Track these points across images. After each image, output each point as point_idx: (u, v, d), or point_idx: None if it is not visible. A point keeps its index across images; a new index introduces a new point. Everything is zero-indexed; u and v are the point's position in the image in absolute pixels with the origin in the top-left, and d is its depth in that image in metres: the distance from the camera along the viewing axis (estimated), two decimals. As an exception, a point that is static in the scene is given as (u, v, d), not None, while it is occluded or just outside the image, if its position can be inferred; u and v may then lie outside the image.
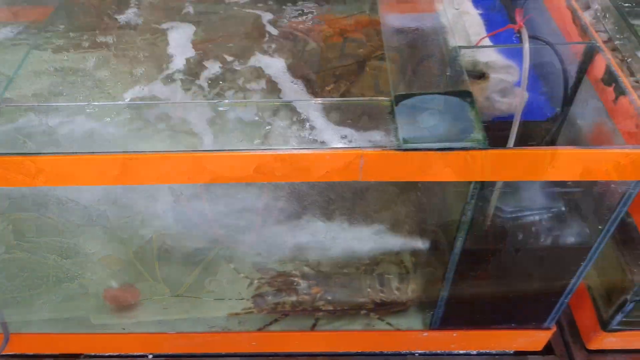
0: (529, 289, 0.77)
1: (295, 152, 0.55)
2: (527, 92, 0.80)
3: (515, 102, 0.77)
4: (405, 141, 0.55)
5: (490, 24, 1.00)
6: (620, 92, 0.62)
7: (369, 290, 0.89)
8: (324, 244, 0.85)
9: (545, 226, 0.72)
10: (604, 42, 1.09)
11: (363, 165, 0.56)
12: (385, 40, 0.68)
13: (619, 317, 0.82)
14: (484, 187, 0.62)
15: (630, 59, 1.04)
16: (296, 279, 0.89)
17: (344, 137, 0.59)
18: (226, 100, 0.63)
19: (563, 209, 0.72)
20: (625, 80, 0.63)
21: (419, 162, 0.56)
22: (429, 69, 0.64)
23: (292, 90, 0.69)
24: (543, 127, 0.81)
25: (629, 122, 0.60)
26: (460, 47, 0.70)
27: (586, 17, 1.14)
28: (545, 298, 0.77)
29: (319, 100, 0.61)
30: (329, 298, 0.89)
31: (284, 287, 0.90)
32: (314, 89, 0.71)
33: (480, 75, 0.74)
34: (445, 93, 0.60)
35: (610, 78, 0.64)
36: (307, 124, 0.62)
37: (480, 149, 0.55)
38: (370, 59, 0.75)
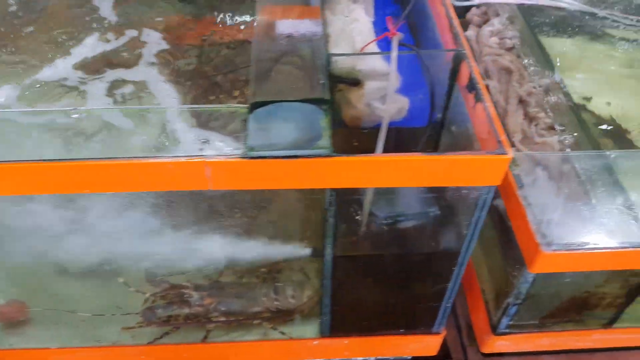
0: (410, 295, 0.77)
1: (138, 160, 0.54)
2: (409, 99, 0.81)
3: (393, 108, 0.78)
4: (251, 149, 0.55)
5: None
6: (478, 98, 0.63)
7: (263, 299, 0.88)
8: (214, 254, 0.83)
9: (419, 231, 0.72)
10: (509, 49, 1.13)
11: (211, 174, 0.56)
12: (254, 46, 0.67)
13: (505, 321, 0.83)
14: (342, 194, 0.62)
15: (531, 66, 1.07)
16: (188, 290, 0.88)
17: (202, 143, 0.59)
18: (81, 108, 0.61)
19: (437, 213, 0.72)
20: (484, 87, 0.64)
21: (265, 170, 0.55)
22: (294, 76, 0.64)
23: (162, 95, 0.68)
24: (427, 133, 0.82)
25: (483, 129, 0.61)
26: (331, 54, 0.70)
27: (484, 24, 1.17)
28: (428, 303, 0.77)
29: (176, 107, 0.60)
30: (223, 309, 0.88)
31: (175, 299, 0.88)
32: (187, 95, 0.70)
33: (356, 82, 0.74)
34: (302, 100, 0.60)
35: (471, 85, 0.65)
36: (165, 131, 0.61)
37: (324, 156, 0.55)
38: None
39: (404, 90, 0.80)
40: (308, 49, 0.66)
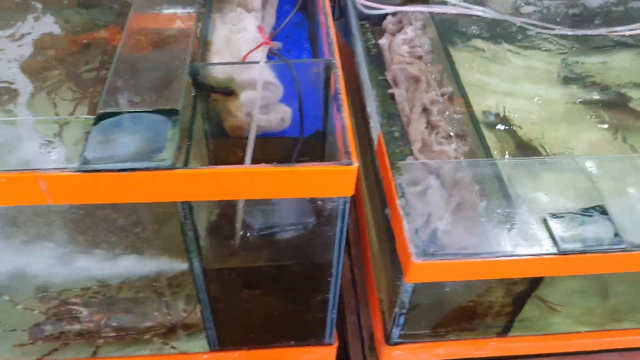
0: (294, 306, 0.76)
1: (-34, 176, 0.52)
2: (290, 108, 0.80)
3: (275, 118, 0.77)
4: (86, 162, 0.53)
5: (291, 40, 1.00)
6: (338, 109, 0.63)
7: (155, 314, 0.86)
8: (103, 269, 0.81)
9: (295, 242, 0.72)
10: (419, 57, 1.13)
11: (48, 189, 0.54)
12: (116, 55, 0.66)
13: (397, 331, 0.82)
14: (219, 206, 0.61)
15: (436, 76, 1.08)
16: (77, 306, 0.85)
17: (43, 155, 0.57)
18: None
19: (313, 224, 0.72)
20: (344, 98, 0.63)
21: (104, 184, 0.54)
22: (149, 86, 0.62)
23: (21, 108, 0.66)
24: (310, 143, 0.81)
25: (340, 139, 0.61)
26: (198, 64, 0.69)
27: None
28: (313, 314, 0.76)
29: (21, 118, 0.59)
30: (113, 324, 0.85)
31: (65, 315, 0.86)
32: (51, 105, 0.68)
33: (229, 92, 0.73)
34: (151, 111, 0.58)
35: (335, 95, 0.65)
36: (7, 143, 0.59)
37: (164, 169, 0.53)
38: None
39: (289, 99, 0.79)
40: (170, 58, 0.65)
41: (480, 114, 1.01)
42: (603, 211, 0.72)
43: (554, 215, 0.71)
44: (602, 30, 1.14)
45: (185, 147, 0.61)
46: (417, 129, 0.96)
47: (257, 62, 0.69)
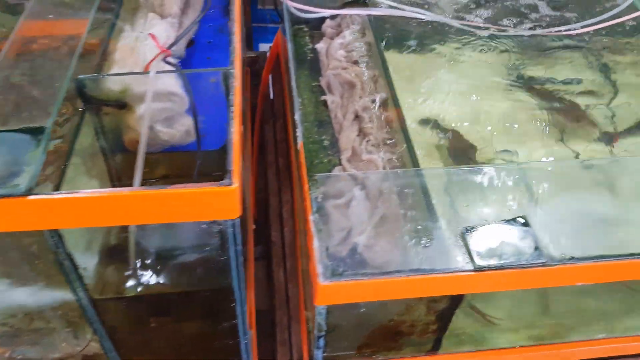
0: (202, 333, 0.71)
1: None
2: (201, 121, 0.75)
3: (180, 131, 0.72)
4: None
5: (213, 46, 0.96)
6: (228, 121, 0.58)
7: (63, 344, 0.81)
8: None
9: (192, 267, 0.67)
10: (355, 62, 1.09)
11: None
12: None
13: (319, 353, 0.78)
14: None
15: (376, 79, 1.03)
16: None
17: None
18: None
19: (215, 247, 0.67)
20: (237, 110, 0.59)
21: (-50, 213, 0.49)
22: (20, 101, 0.57)
23: None
24: (217, 157, 0.76)
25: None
26: (84, 77, 0.64)
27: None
28: (224, 341, 0.72)
29: None
30: (18, 357, 0.80)
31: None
32: None
33: (121, 105, 0.68)
34: (15, 131, 0.53)
35: (228, 106, 0.60)
36: None
37: (17, 196, 0.48)
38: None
39: (201, 111, 0.75)
40: (51, 70, 0.60)
41: (414, 120, 0.98)
42: (525, 222, 0.68)
43: (472, 229, 0.67)
44: (544, 31, 1.11)
45: (60, 169, 0.56)
46: (347, 137, 0.92)
47: (147, 73, 0.64)
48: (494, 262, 0.64)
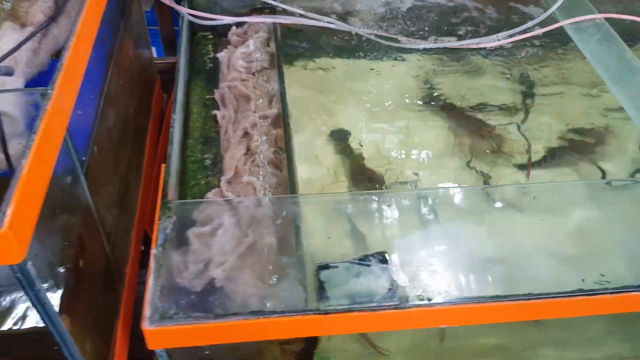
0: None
1: None
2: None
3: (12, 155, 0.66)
4: None
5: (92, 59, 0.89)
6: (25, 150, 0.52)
7: None
8: None
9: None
10: (254, 73, 1.02)
11: None
12: None
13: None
14: None
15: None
16: None
17: None
18: None
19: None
20: (41, 134, 0.53)
21: None
22: None
23: None
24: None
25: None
26: None
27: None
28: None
29: None
30: None
31: None
32: None
33: None
34: None
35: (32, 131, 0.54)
36: None
37: None
38: None
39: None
40: None
41: (310, 138, 0.92)
42: (383, 259, 0.63)
43: (325, 267, 0.62)
44: (459, 44, 1.06)
45: None
46: (232, 156, 0.86)
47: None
48: (341, 303, 0.59)
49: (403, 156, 0.90)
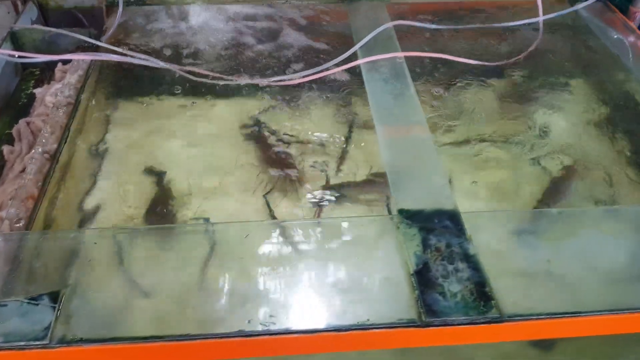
0: None
1: None
2: None
3: None
4: None
5: None
6: None
7: None
8: None
9: None
10: (61, 107, 1.04)
11: None
12: None
13: None
14: None
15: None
16: None
17: None
18: None
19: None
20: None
21: None
22: None
23: None
24: None
25: None
26: None
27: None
28: None
29: None
30: None
31: None
32: None
33: None
34: None
35: None
36: None
37: None
38: None
39: None
40: None
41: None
42: (55, 297, 0.63)
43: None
44: (269, 80, 1.07)
45: None
46: (4, 190, 0.88)
47: None
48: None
49: (207, 190, 0.88)
